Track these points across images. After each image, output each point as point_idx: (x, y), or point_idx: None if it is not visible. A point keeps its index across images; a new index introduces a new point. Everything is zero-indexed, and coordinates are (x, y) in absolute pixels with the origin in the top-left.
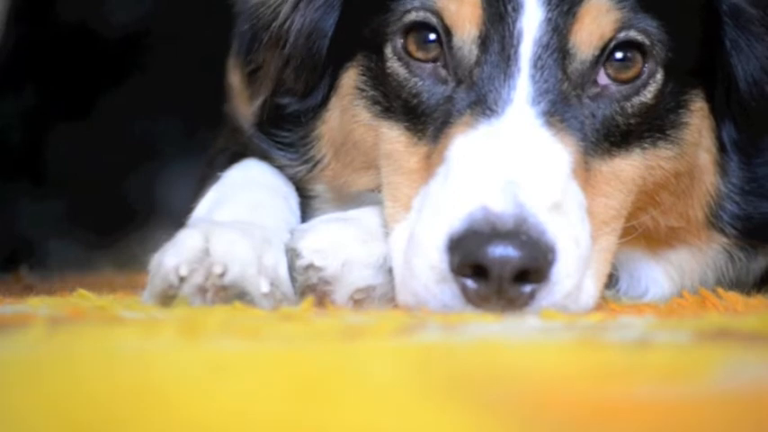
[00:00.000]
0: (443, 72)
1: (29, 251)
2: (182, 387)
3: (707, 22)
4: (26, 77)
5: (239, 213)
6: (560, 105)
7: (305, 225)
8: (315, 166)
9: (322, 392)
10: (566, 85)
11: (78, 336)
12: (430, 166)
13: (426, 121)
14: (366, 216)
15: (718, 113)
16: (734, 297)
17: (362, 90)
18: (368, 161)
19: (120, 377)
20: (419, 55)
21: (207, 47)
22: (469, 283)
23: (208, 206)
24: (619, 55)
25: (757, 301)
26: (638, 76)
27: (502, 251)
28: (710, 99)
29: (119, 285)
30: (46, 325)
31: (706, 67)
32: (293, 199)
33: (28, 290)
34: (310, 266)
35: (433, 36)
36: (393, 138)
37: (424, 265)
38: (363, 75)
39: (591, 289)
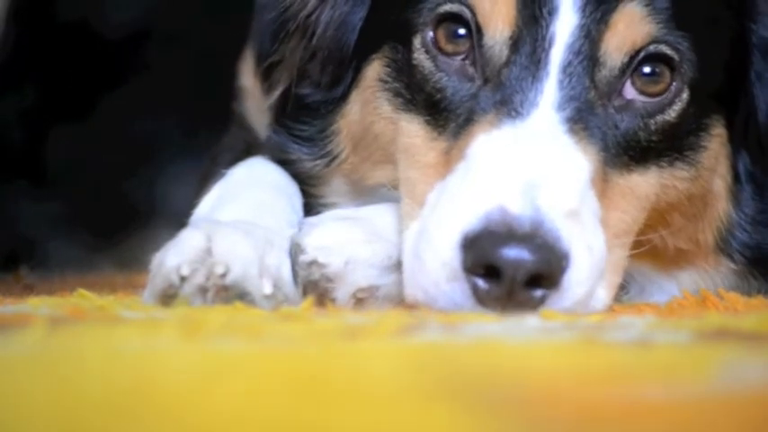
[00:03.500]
0: (470, 69)
1: (29, 251)
2: (182, 387)
3: (736, 50)
4: (26, 77)
5: (242, 213)
6: (585, 113)
7: (312, 219)
8: (333, 160)
9: (322, 392)
10: (592, 93)
11: (78, 336)
12: (448, 161)
13: (448, 116)
14: (375, 215)
15: (736, 143)
16: (734, 297)
17: (385, 82)
18: (386, 155)
19: (120, 377)
20: (448, 48)
21: (208, 47)
22: (481, 283)
23: (211, 204)
24: (647, 69)
25: (757, 301)
26: (664, 92)
27: (516, 254)
28: (730, 127)
29: (119, 285)
30: (46, 325)
31: (729, 95)
32: (297, 198)
33: (28, 290)
34: (314, 263)
35: (463, 31)
36: (412, 131)
37: (436, 261)
38: (388, 66)
39: (602, 297)
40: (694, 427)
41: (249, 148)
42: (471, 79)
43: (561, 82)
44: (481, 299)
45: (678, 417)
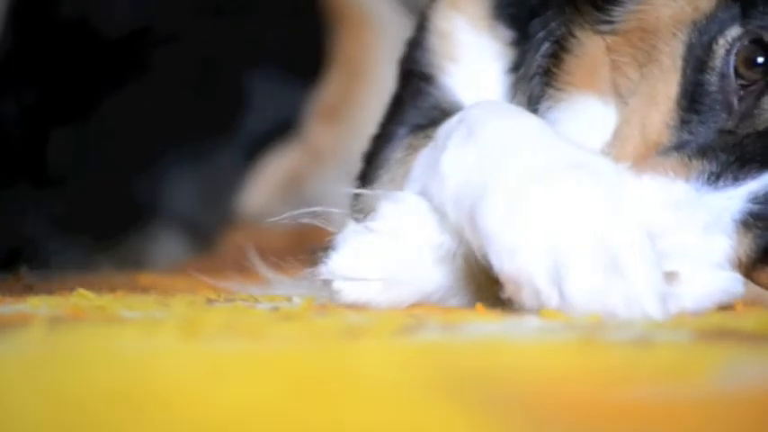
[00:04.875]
0: (735, 104)
1: (29, 251)
2: (182, 387)
3: None
4: (27, 77)
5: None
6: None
7: (353, 230)
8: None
9: (322, 392)
10: None
11: (78, 335)
12: (647, 152)
13: (689, 117)
14: (421, 232)
15: None
16: None
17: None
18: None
19: (120, 377)
20: (744, 71)
21: (209, 46)
22: None
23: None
24: None
25: None
26: None
27: None
28: None
29: (119, 285)
30: (46, 325)
31: None
32: None
33: (28, 290)
34: (328, 282)
35: (761, 60)
36: (660, 93)
37: None
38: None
39: None
40: (694, 427)
41: (439, 116)
42: (729, 113)
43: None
44: None
45: (678, 417)
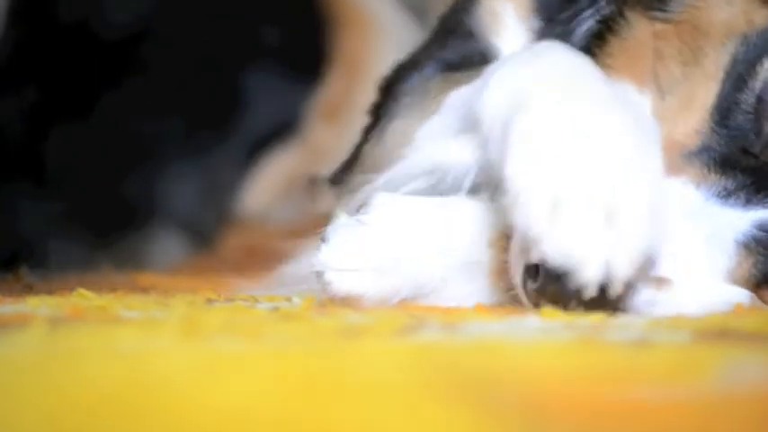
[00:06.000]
0: None
1: (29, 251)
2: (182, 387)
3: None
4: (26, 77)
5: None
6: None
7: (341, 222)
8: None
9: (322, 392)
10: None
11: (78, 335)
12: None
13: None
14: (436, 223)
15: None
16: None
17: None
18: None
19: (119, 377)
20: None
21: (208, 46)
22: None
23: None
24: None
25: None
26: None
27: None
28: None
29: (119, 285)
30: (46, 325)
31: None
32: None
33: (28, 290)
34: (321, 274)
35: None
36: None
37: None
38: None
39: None
40: (694, 427)
41: (477, 59)
42: (758, 136)
43: None
44: None
45: (678, 417)
